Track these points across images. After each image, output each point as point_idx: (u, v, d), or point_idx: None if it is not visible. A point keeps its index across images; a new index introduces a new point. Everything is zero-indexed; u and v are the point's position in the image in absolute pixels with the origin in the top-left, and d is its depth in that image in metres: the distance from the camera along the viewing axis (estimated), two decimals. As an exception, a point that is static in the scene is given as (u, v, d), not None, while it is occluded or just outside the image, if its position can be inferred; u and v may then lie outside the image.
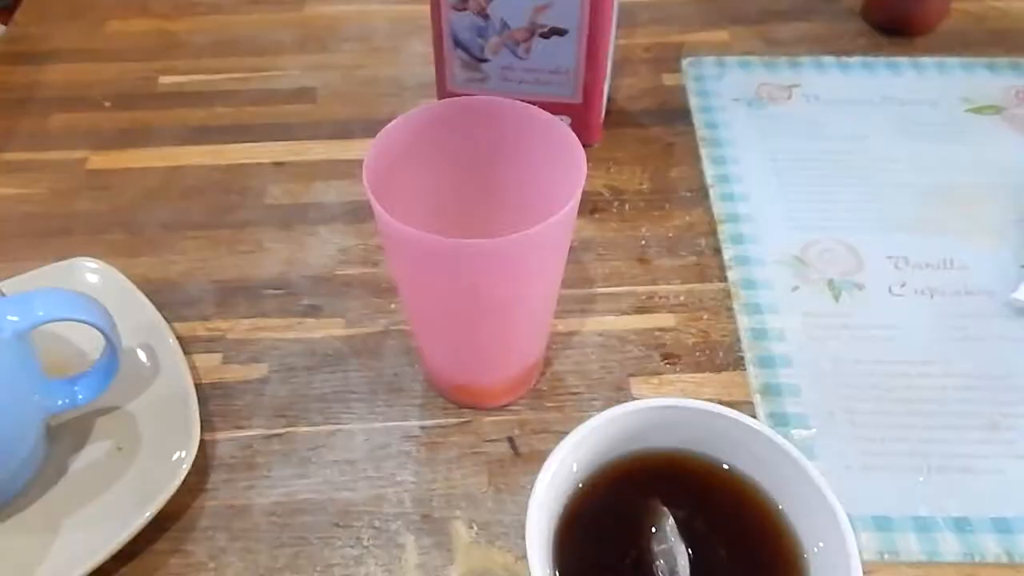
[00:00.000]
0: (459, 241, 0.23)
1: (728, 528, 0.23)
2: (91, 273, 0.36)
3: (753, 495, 0.23)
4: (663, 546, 0.22)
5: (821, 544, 0.21)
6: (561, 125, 0.27)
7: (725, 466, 0.23)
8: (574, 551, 0.22)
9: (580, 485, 0.23)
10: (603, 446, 0.23)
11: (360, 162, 0.45)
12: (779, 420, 0.31)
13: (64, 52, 0.52)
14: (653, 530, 0.22)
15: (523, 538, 0.29)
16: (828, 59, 0.48)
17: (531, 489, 0.31)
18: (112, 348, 0.30)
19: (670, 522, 0.22)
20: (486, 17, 0.39)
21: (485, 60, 0.41)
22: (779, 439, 0.22)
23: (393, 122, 0.28)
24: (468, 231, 0.29)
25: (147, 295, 0.36)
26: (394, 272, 0.29)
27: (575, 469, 0.22)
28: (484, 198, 0.31)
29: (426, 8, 0.40)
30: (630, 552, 0.22)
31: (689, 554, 0.22)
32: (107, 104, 0.48)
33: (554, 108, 0.28)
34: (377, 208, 0.25)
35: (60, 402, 0.30)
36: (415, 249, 0.25)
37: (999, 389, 0.32)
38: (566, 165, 0.27)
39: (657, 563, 0.22)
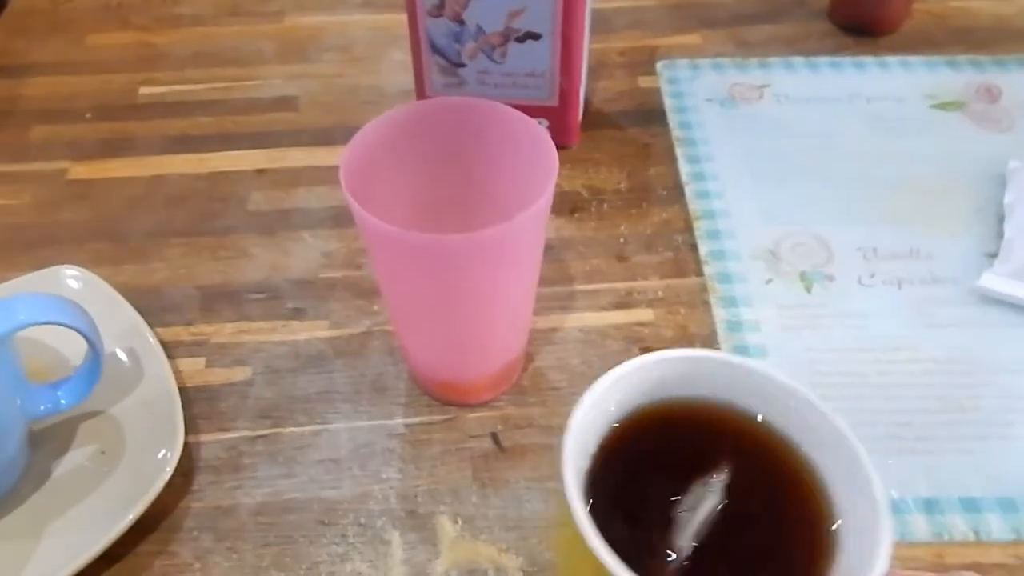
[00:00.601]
0: (437, 236, 0.24)
1: (759, 482, 0.22)
2: (73, 280, 0.36)
3: (786, 450, 0.22)
4: (700, 488, 0.22)
5: (854, 505, 0.21)
6: (531, 122, 0.28)
7: (760, 418, 0.23)
8: (606, 486, 0.21)
9: (615, 425, 0.23)
10: (637, 391, 0.22)
11: (341, 167, 0.45)
12: (755, 408, 0.32)
13: (44, 65, 0.52)
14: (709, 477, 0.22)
15: (508, 530, 0.30)
16: (797, 59, 0.49)
17: (516, 482, 0.31)
18: (95, 353, 0.30)
19: (722, 477, 0.22)
20: (462, 23, 0.40)
21: (462, 65, 0.42)
22: (814, 398, 0.22)
23: (368, 124, 0.29)
24: (447, 229, 0.30)
25: (131, 302, 0.36)
26: (376, 271, 0.30)
27: (612, 409, 0.22)
28: (461, 196, 0.32)
29: (405, 17, 0.41)
30: (665, 491, 0.22)
31: (722, 506, 0.22)
32: (88, 115, 0.48)
33: (531, 111, 0.29)
34: (354, 206, 0.26)
35: (43, 407, 0.30)
36: (394, 246, 0.26)
37: (965, 373, 0.33)
38: (538, 160, 0.27)
39: (684, 501, 0.22)
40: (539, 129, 0.28)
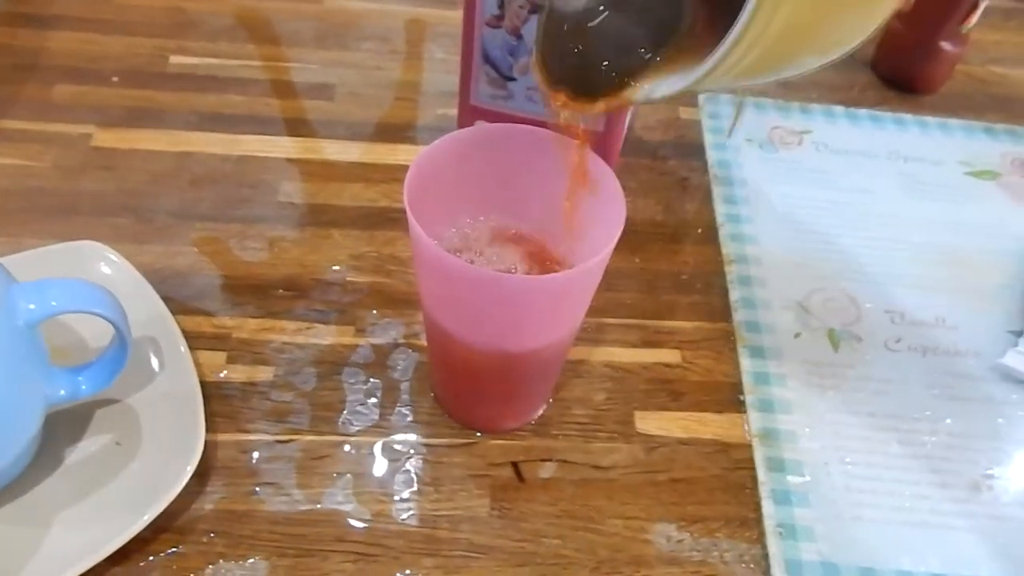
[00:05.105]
0: (503, 275, 0.24)
1: None
2: (100, 260, 0.35)
3: None
4: None
5: None
6: (603, 165, 0.28)
7: None
8: None
9: None
10: None
11: (376, 166, 0.45)
12: (775, 465, 0.32)
13: (71, 19, 0.50)
14: None
15: (522, 566, 0.30)
16: (838, 108, 0.49)
17: (535, 516, 0.31)
18: (122, 343, 0.29)
19: None
20: (519, 37, 0.39)
21: (512, 79, 0.41)
22: None
23: (437, 142, 0.28)
24: (493, 250, 0.29)
25: (153, 286, 0.35)
26: (423, 292, 0.29)
27: None
28: (512, 218, 0.31)
29: (446, 14, 0.40)
30: None
31: None
32: (115, 79, 0.47)
33: (575, 132, 0.29)
34: (418, 231, 0.25)
35: (63, 392, 0.30)
36: (454, 277, 0.25)
37: (982, 451, 0.34)
38: (604, 206, 0.27)
39: None
40: (610, 176, 0.28)
